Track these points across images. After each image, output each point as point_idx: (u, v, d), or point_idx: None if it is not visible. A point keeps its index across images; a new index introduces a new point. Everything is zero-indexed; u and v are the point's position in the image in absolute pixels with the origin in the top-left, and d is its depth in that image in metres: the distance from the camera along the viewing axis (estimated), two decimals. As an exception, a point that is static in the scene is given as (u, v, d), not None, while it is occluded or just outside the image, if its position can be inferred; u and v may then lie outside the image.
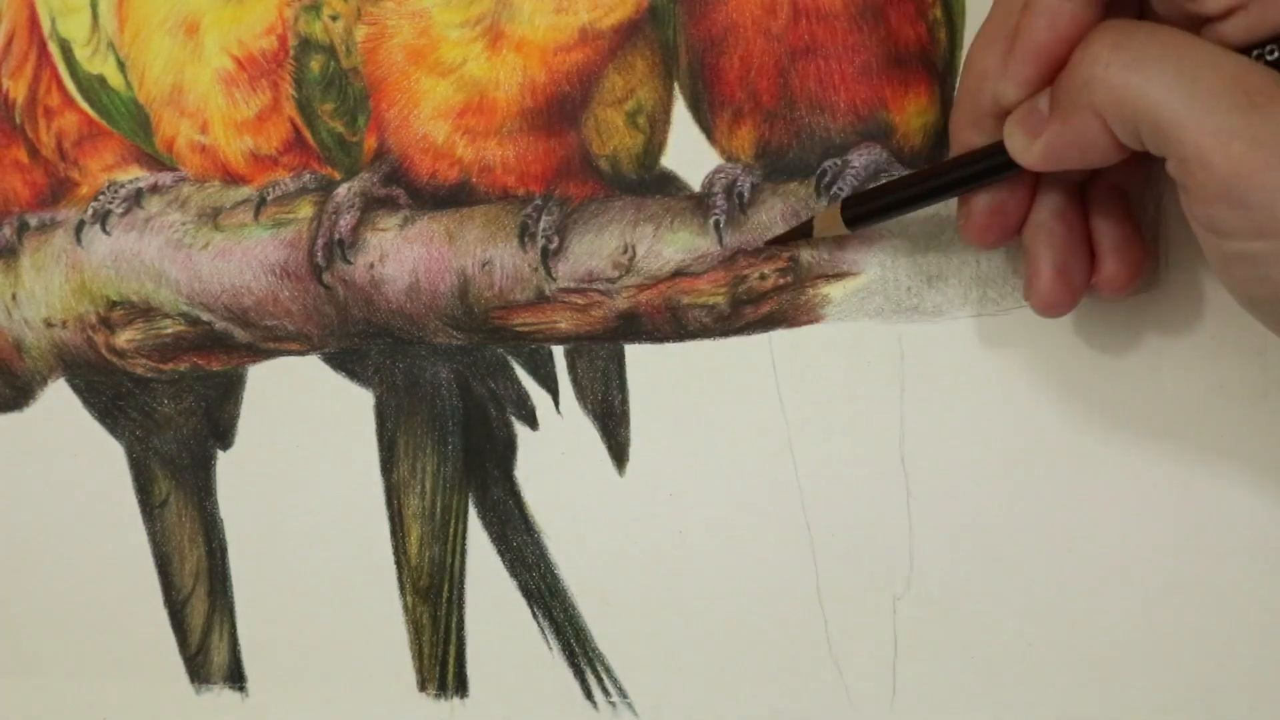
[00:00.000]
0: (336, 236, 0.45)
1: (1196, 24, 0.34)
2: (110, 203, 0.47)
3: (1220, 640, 0.41)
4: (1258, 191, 0.31)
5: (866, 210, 0.40)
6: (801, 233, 0.42)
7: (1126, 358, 0.42)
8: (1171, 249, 0.42)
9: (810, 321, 0.43)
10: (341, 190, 0.46)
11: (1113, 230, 0.39)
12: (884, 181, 0.41)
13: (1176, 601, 0.41)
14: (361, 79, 0.45)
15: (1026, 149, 0.36)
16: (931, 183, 0.39)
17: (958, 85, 0.39)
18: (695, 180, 0.44)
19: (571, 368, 0.45)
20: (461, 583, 0.46)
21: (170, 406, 0.48)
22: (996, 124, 0.37)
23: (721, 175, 0.43)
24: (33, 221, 0.48)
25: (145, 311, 0.47)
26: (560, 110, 0.44)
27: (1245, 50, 0.33)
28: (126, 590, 0.48)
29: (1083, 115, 0.34)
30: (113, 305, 0.47)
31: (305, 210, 0.46)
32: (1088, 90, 0.33)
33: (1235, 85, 0.32)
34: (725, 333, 0.44)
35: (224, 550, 0.48)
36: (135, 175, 0.47)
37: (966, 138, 0.38)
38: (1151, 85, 0.32)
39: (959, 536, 0.43)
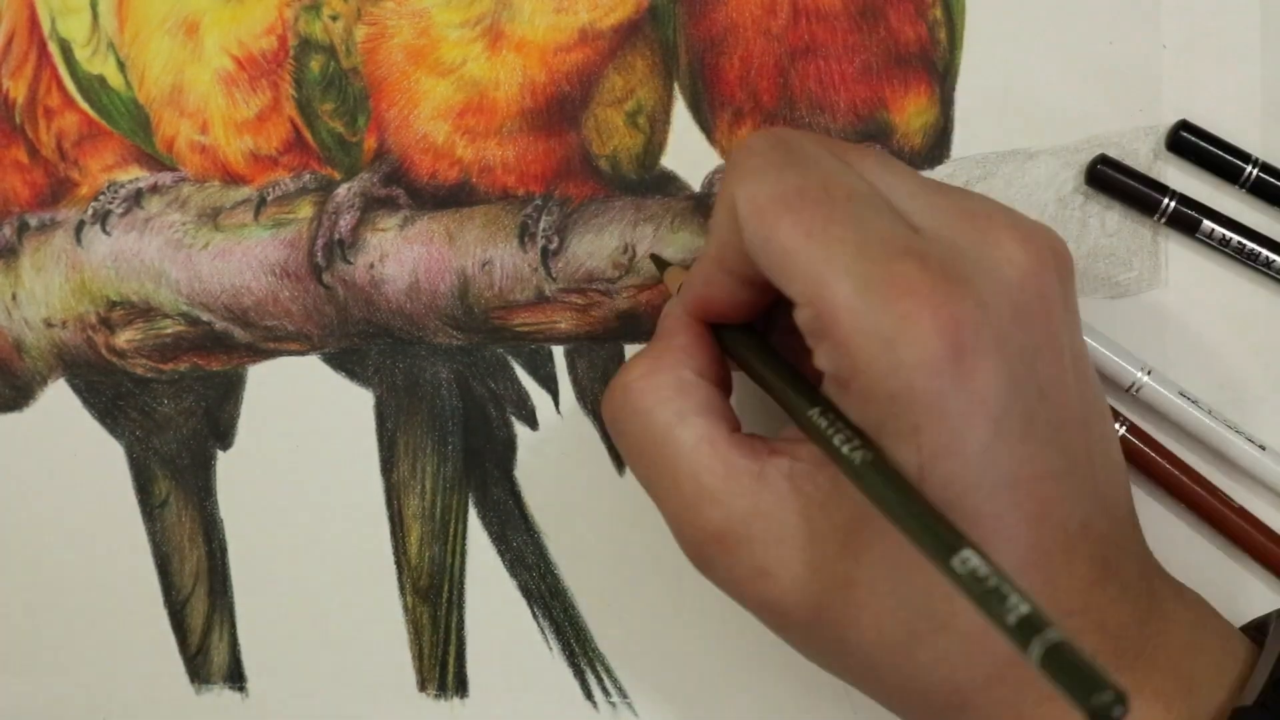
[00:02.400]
0: (336, 236, 0.45)
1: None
2: (110, 203, 0.47)
3: (1220, 640, 0.41)
4: None
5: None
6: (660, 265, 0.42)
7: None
8: (1171, 249, 0.42)
9: (810, 321, 0.43)
10: (341, 190, 0.46)
11: None
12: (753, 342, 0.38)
13: (1176, 601, 0.41)
14: (361, 79, 0.45)
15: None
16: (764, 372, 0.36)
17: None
18: (695, 180, 0.44)
19: (571, 368, 0.45)
20: (461, 583, 0.46)
21: (170, 406, 0.48)
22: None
23: (721, 175, 0.43)
24: (33, 221, 0.48)
25: (145, 311, 0.47)
26: (560, 110, 0.44)
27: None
28: (126, 590, 0.48)
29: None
30: (113, 305, 0.47)
31: (305, 210, 0.46)
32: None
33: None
34: (725, 333, 0.44)
35: (224, 550, 0.48)
36: (135, 175, 0.47)
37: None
38: None
39: (959, 536, 0.43)
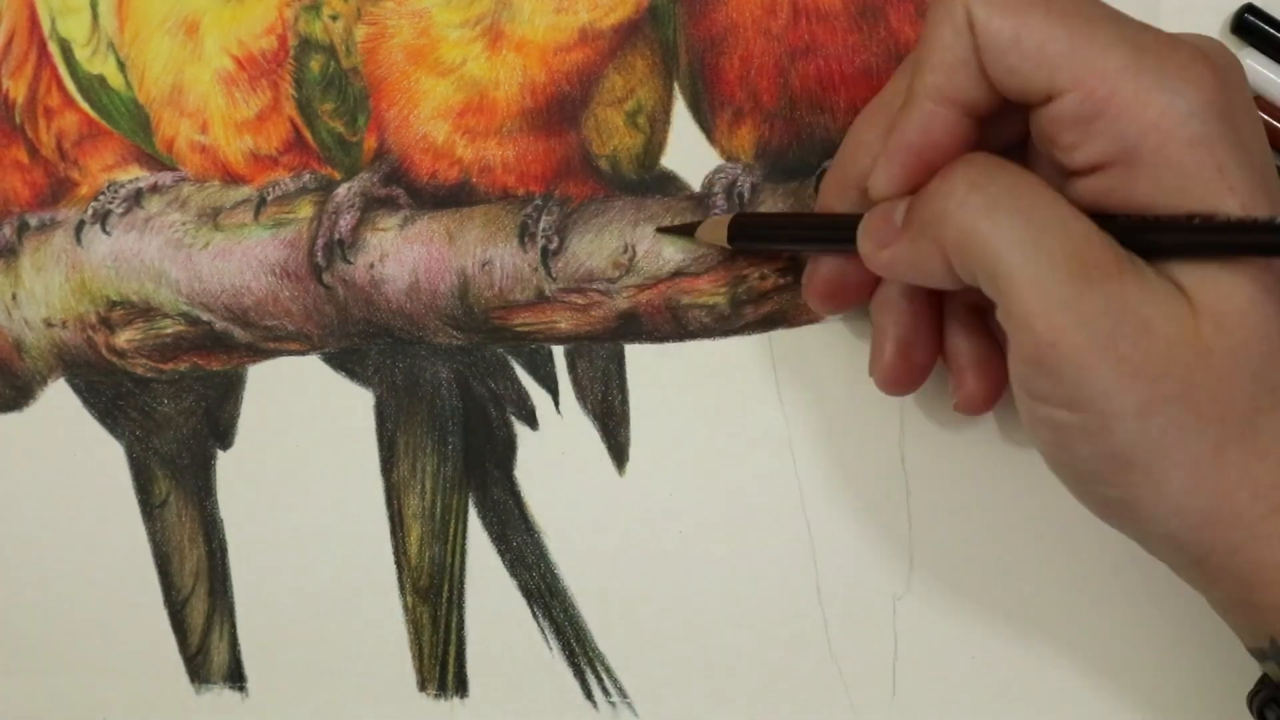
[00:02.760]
0: (336, 236, 0.45)
1: (1062, 173, 0.34)
2: (110, 203, 0.47)
3: (1220, 640, 0.41)
4: (1071, 367, 0.31)
5: (750, 234, 0.40)
6: (686, 231, 0.42)
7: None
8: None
9: (810, 321, 0.43)
10: (341, 190, 0.46)
11: (969, 346, 0.38)
12: (772, 212, 0.42)
13: (1176, 601, 0.41)
14: (361, 79, 0.45)
15: (872, 256, 0.35)
16: (809, 231, 0.39)
17: (839, 148, 0.38)
18: (695, 180, 0.44)
19: (571, 368, 0.45)
20: (461, 583, 0.46)
21: (170, 406, 0.48)
22: (861, 198, 0.37)
23: (721, 175, 0.43)
24: (33, 221, 0.48)
25: (145, 311, 0.47)
26: (560, 110, 0.44)
27: (1102, 215, 0.32)
28: (126, 590, 0.48)
29: (929, 244, 0.33)
30: (113, 305, 0.47)
31: (305, 210, 0.46)
32: (937, 223, 0.33)
33: (1077, 255, 0.31)
34: (725, 333, 0.44)
35: (224, 550, 0.48)
36: (135, 175, 0.47)
37: (830, 201, 0.38)
38: (997, 235, 0.32)
39: (959, 536, 0.43)
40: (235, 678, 0.48)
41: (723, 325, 0.44)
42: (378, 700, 0.47)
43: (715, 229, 0.41)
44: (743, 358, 0.44)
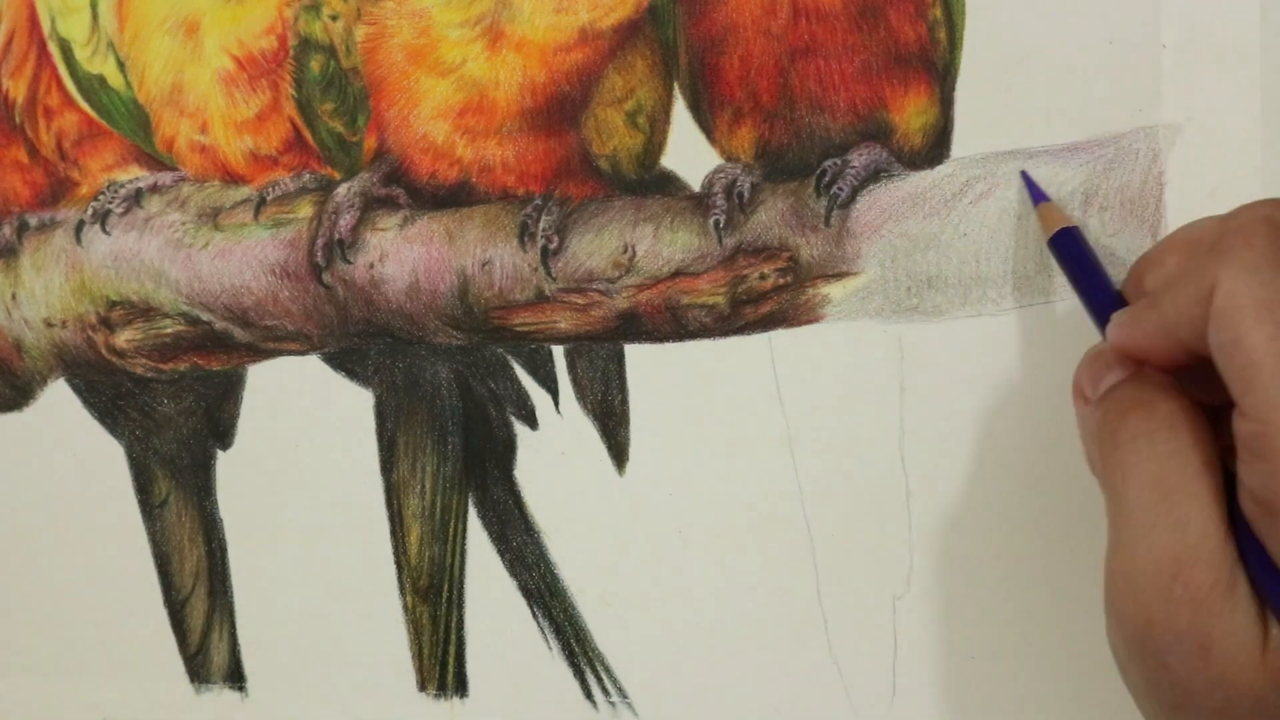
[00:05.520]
0: (336, 236, 0.45)
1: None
2: (110, 203, 0.47)
3: (1220, 640, 0.41)
4: None
5: (1066, 252, 0.39)
6: (1037, 196, 0.41)
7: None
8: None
9: (810, 321, 0.43)
10: (341, 190, 0.46)
11: None
12: (1092, 261, 0.40)
13: (1176, 601, 0.41)
14: (361, 79, 0.45)
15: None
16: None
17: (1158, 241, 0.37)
18: (695, 180, 0.44)
19: (571, 368, 0.45)
20: (461, 583, 0.46)
21: (170, 406, 0.48)
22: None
23: (721, 175, 0.43)
24: (33, 221, 0.48)
25: (145, 311, 0.47)
26: (560, 110, 0.44)
27: None
28: (126, 590, 0.48)
29: (1191, 292, 0.32)
30: (112, 305, 0.47)
31: (305, 210, 0.46)
32: (1205, 270, 0.31)
33: None
34: (725, 333, 0.44)
35: (224, 550, 0.48)
36: (135, 175, 0.47)
37: (1131, 290, 0.37)
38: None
39: (959, 536, 0.43)
40: (235, 678, 0.48)
41: (723, 325, 0.44)
42: (378, 700, 0.47)
43: (1050, 218, 0.40)
44: (743, 358, 0.44)
